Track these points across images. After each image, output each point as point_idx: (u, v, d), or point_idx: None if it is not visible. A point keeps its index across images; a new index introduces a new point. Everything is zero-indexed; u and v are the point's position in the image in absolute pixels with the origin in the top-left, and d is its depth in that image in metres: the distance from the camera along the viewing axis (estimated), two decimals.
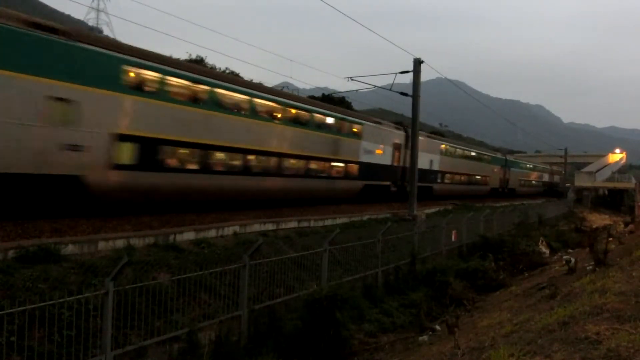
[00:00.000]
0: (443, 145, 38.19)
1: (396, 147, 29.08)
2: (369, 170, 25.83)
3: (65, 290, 6.89)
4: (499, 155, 54.93)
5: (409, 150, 27.91)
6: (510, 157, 59.16)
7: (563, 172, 79.41)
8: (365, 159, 25.62)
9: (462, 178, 41.36)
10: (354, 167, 24.87)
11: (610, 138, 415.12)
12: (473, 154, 45.76)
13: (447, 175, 37.76)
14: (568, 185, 76.53)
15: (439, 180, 35.78)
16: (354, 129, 25.37)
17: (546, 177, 73.63)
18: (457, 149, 41.79)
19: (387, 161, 28.11)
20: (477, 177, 45.29)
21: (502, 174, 51.33)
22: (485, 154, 49.65)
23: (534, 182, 67.01)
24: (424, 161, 30.84)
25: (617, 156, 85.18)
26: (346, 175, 24.36)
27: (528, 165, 66.08)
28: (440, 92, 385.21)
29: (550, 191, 72.00)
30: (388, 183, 28.29)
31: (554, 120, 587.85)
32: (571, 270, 12.49)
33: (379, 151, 27.14)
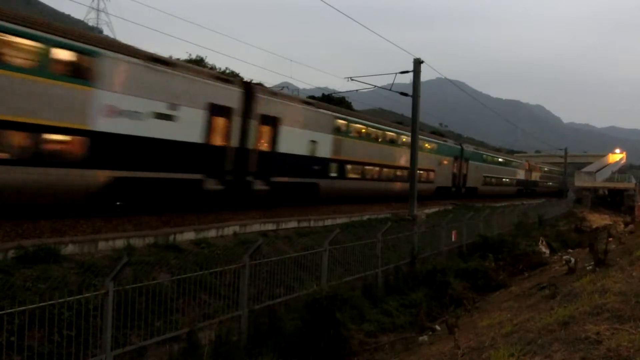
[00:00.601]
0: (340, 121, 24.86)
1: (219, 112, 16.76)
2: (129, 149, 13.88)
3: (65, 290, 6.89)
4: (450, 143, 42.02)
5: (255, 121, 18.24)
6: (469, 147, 45.49)
7: (545, 168, 73.63)
8: (110, 127, 13.28)
9: (383, 172, 28.84)
10: (77, 142, 12.81)
11: (610, 138, 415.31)
12: (404, 138, 30.95)
13: (349, 167, 25.31)
14: (551, 183, 74.03)
15: (331, 174, 23.68)
16: (72, 62, 12.68)
17: (521, 175, 60.58)
18: (370, 129, 28.43)
19: (192, 136, 15.80)
20: (417, 172, 33.09)
21: (456, 169, 39.37)
22: (427, 140, 35.93)
23: (505, 179, 54.37)
24: (296, 143, 20.88)
25: (617, 156, 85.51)
26: (49, 157, 12.25)
27: (498, 159, 53.28)
28: (440, 92, 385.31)
29: (527, 192, 61.67)
30: (198, 176, 16.17)
31: (554, 120, 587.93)
32: (571, 270, 12.49)
33: (165, 115, 14.87)
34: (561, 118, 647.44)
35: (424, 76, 22.52)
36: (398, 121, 43.80)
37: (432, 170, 34.98)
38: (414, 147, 22.41)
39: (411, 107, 22.37)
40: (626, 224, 32.99)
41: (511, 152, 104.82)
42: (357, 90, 25.69)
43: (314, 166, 22.06)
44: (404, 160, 29.68)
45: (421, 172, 31.84)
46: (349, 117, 26.51)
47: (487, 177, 47.58)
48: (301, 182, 21.42)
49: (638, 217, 38.57)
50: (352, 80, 24.62)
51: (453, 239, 19.63)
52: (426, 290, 13.55)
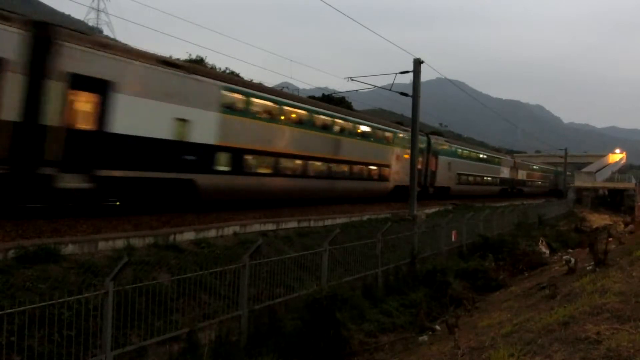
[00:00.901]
0: (232, 94, 17.94)
1: None
2: None
3: (65, 290, 6.89)
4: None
5: (60, 84, 11.97)
6: (439, 139, 39.14)
7: (535, 167, 70.52)
8: None
9: (310, 165, 22.26)
10: None
11: (610, 138, 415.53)
12: (343, 123, 25.36)
13: (252, 159, 18.79)
14: (541, 182, 70.88)
15: (218, 168, 17.09)
16: None
17: (506, 173, 54.44)
18: (286, 107, 20.95)
19: None
20: (360, 166, 26.19)
21: (421, 164, 32.56)
22: (380, 128, 28.95)
23: (486, 178, 48.16)
24: (149, 120, 14.35)
25: (617, 156, 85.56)
26: None
27: (477, 155, 47.03)
28: (440, 92, 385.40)
29: (513, 192, 56.49)
30: None
31: (554, 120, 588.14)
32: (571, 270, 12.48)
33: None
34: (561, 118, 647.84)
35: (424, 76, 22.58)
36: (398, 121, 43.32)
37: (387, 166, 28.42)
38: (413, 147, 22.42)
39: (411, 107, 22.39)
40: (626, 224, 33.02)
41: (511, 152, 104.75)
42: (357, 90, 25.73)
43: (185, 156, 15.51)
44: (342, 151, 24.43)
45: (370, 167, 27.19)
46: (248, 90, 19.03)
47: (463, 175, 41.50)
48: (161, 179, 14.78)
49: (638, 217, 38.55)
50: (352, 80, 24.65)
51: (453, 239, 19.63)
52: (426, 290, 13.56)
